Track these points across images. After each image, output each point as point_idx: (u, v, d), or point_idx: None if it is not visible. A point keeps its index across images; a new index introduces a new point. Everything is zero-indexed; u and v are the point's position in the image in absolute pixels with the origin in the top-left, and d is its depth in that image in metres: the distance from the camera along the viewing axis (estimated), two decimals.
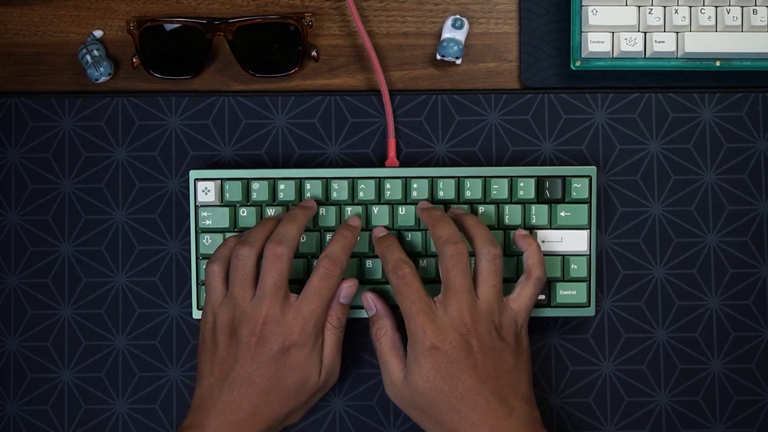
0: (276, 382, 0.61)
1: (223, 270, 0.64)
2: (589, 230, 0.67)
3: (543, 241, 0.67)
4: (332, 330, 0.64)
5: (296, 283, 0.66)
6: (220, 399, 0.61)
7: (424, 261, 0.67)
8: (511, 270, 0.67)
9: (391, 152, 0.69)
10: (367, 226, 0.67)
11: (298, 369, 0.62)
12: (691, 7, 0.67)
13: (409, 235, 0.67)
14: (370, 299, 0.65)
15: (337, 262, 0.62)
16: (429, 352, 0.60)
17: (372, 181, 0.67)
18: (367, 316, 0.67)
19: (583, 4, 0.68)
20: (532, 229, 0.67)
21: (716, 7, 0.67)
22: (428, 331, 0.60)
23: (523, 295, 0.63)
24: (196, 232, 0.67)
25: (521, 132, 0.70)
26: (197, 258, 0.67)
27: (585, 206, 0.67)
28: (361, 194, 0.67)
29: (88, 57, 0.69)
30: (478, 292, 0.62)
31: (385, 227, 0.67)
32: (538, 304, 0.67)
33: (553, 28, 0.70)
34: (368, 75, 0.71)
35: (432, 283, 0.66)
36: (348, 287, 0.64)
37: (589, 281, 0.67)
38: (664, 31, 0.68)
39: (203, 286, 0.67)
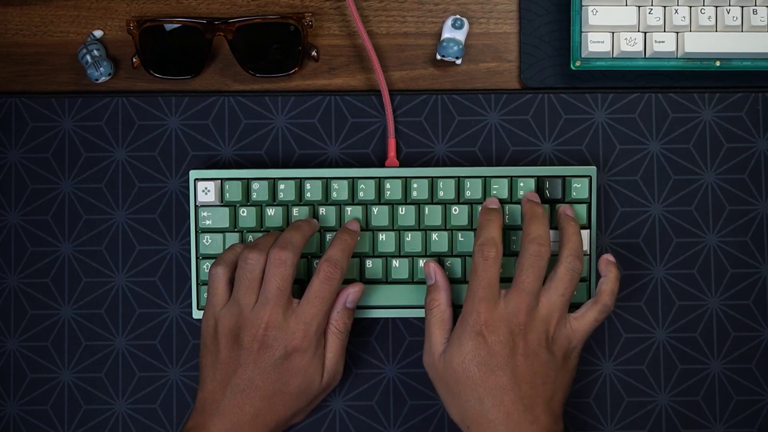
0: (279, 386, 0.61)
1: (227, 273, 0.63)
2: (589, 230, 0.67)
3: None
4: (337, 334, 0.64)
5: (297, 283, 0.66)
6: (223, 403, 0.61)
7: (422, 261, 0.67)
8: (509, 269, 0.67)
9: (391, 152, 0.69)
10: (367, 226, 0.67)
11: (301, 373, 0.62)
12: (691, 7, 0.67)
13: (409, 236, 0.67)
14: (432, 268, 0.65)
15: (337, 265, 0.62)
16: (475, 336, 0.60)
17: (372, 181, 0.67)
18: (366, 316, 0.67)
19: (583, 4, 0.68)
20: None
21: (716, 7, 0.67)
22: (482, 317, 0.60)
23: (587, 317, 0.63)
24: (196, 232, 0.67)
25: (521, 132, 0.70)
26: (197, 258, 0.67)
27: (585, 206, 0.67)
28: (361, 194, 0.67)
29: (88, 57, 0.69)
30: (544, 296, 0.61)
31: (385, 228, 0.67)
32: None
33: (553, 28, 0.70)
34: (368, 75, 0.71)
35: None
36: (354, 292, 0.64)
37: (589, 281, 0.67)
38: (664, 31, 0.68)
39: (203, 286, 0.67)
